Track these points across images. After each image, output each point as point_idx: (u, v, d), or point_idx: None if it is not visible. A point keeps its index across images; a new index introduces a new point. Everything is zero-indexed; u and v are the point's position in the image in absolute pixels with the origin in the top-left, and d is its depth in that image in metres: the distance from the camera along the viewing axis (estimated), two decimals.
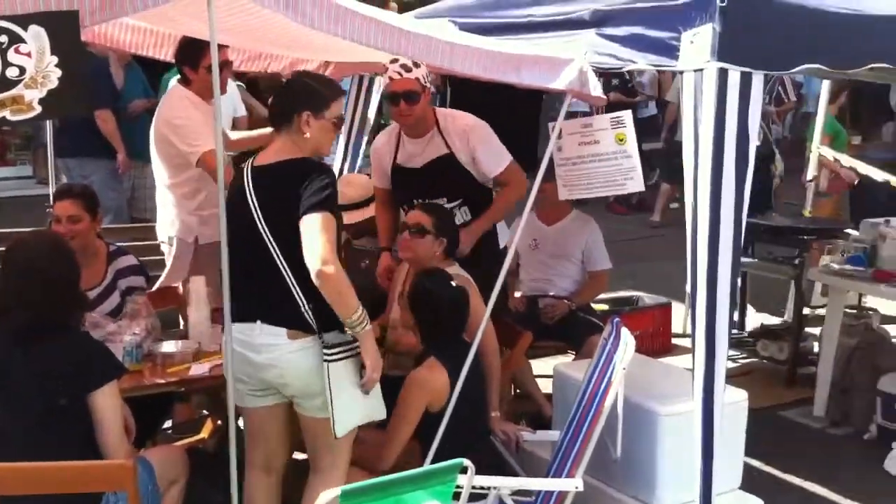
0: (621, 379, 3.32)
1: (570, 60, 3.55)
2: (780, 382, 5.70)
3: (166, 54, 4.44)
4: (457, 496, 3.01)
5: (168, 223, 4.59)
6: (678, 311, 6.32)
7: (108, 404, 2.86)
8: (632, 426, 3.49)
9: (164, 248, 4.66)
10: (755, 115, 3.28)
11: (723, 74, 3.18)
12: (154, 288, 4.56)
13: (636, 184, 3.60)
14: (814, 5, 3.45)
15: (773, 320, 6.53)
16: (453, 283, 3.51)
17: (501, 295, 3.65)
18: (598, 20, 3.65)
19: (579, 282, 5.20)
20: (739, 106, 3.23)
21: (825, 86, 7.03)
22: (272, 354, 3.09)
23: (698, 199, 3.28)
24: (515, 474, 3.66)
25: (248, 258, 3.04)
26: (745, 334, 6.44)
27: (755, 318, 6.57)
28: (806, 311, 5.90)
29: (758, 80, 3.25)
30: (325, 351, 2.99)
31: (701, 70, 3.22)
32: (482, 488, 3.14)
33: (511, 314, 4.95)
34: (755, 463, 4.59)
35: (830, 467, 4.61)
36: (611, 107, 10.93)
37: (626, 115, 3.61)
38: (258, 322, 3.08)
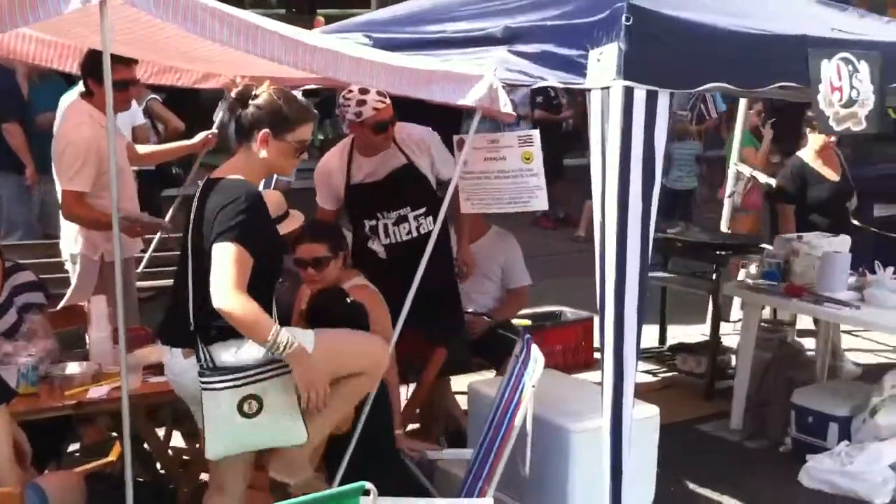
0: (531, 396, 3.30)
1: (479, 77, 3.55)
2: (698, 396, 5.75)
3: (72, 66, 4.33)
4: None
5: (72, 240, 4.46)
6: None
7: None
8: (544, 443, 3.48)
9: (68, 265, 4.52)
10: (661, 133, 3.31)
11: (628, 92, 3.21)
12: (59, 306, 4.45)
13: (540, 202, 3.60)
14: (721, 24, 3.50)
15: (694, 334, 6.61)
16: (349, 300, 3.44)
17: (421, 308, 3.61)
18: (509, 37, 3.66)
19: (499, 298, 5.18)
20: (646, 123, 3.26)
21: (742, 103, 7.16)
22: (174, 372, 3.10)
23: (606, 216, 3.29)
24: (428, 494, 3.62)
25: (178, 274, 3.03)
26: (665, 349, 6.50)
27: (675, 333, 6.63)
28: (726, 325, 5.98)
29: (664, 97, 3.29)
30: (202, 379, 2.92)
31: (607, 88, 3.24)
32: None
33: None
34: (671, 478, 4.63)
35: (746, 480, 4.64)
36: (536, 124, 11.10)
37: (535, 135, 3.61)
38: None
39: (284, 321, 4.07)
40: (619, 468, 3.27)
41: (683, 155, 10.05)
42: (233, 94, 3.05)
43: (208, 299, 2.82)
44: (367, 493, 2.56)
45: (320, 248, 3.77)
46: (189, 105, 8.64)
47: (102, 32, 2.68)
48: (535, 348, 3.46)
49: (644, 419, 3.66)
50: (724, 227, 7.18)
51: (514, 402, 3.41)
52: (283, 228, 4.64)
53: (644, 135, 3.28)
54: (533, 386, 3.29)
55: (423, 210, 4.18)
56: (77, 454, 4.64)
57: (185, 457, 4.53)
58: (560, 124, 10.42)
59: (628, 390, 3.31)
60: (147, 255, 5.24)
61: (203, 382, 2.91)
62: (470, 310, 5.05)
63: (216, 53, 3.57)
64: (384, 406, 3.39)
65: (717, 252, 5.89)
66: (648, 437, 3.73)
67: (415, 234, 4.16)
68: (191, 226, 3.01)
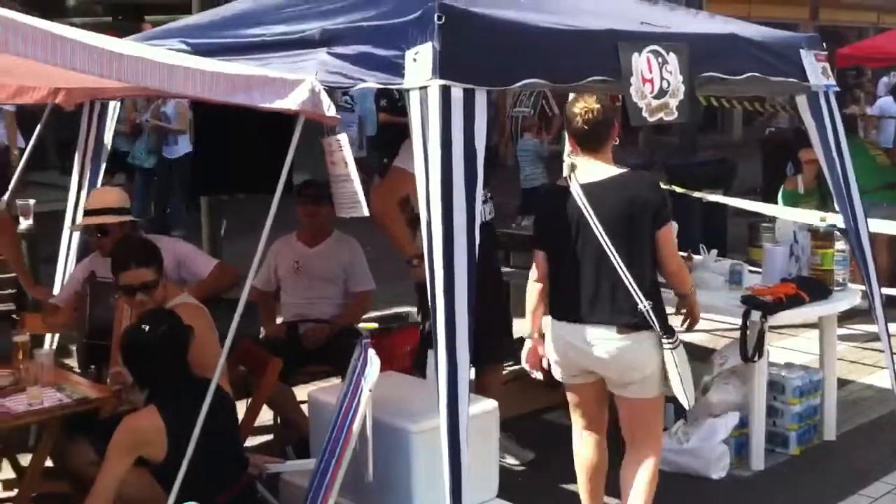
0: (368, 400, 3.28)
1: (300, 80, 3.47)
2: (543, 386, 5.85)
3: None
4: None
5: None
6: None
7: None
8: (386, 446, 3.47)
9: None
10: (481, 131, 3.34)
11: (446, 92, 3.22)
12: None
13: (360, 209, 3.55)
14: (534, 22, 3.56)
15: None
16: (163, 328, 3.34)
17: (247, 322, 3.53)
18: (328, 39, 3.61)
19: (342, 304, 5.15)
20: (465, 122, 3.28)
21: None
22: (601, 349, 3.55)
23: (431, 215, 3.29)
24: None
25: (579, 266, 3.55)
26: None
27: (520, 327, 6.73)
28: None
29: (481, 95, 3.32)
30: (668, 341, 3.52)
31: (425, 88, 3.24)
32: None
33: (269, 341, 4.84)
34: (519, 468, 4.71)
35: None
36: (384, 127, 11.04)
37: (343, 139, 3.57)
38: (586, 322, 3.56)
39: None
40: (458, 465, 3.27)
41: (528, 153, 10.27)
42: None
43: (651, 277, 3.55)
44: None
45: (147, 273, 3.68)
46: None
47: None
48: (371, 352, 3.43)
49: (482, 414, 3.70)
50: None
51: (354, 407, 3.38)
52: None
53: (464, 133, 3.29)
54: (370, 390, 3.26)
55: None
56: None
57: (15, 489, 4.31)
58: (405, 126, 10.37)
59: (462, 387, 3.32)
60: None
61: (669, 343, 3.52)
62: (312, 317, 5.01)
63: (27, 66, 3.37)
64: (226, 422, 3.30)
65: None
66: (489, 431, 3.77)
67: None
68: (596, 224, 3.50)
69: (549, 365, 3.81)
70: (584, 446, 3.88)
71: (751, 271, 5.32)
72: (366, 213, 3.69)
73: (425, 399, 3.80)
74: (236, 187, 5.73)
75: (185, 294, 3.85)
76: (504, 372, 5.97)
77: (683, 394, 3.58)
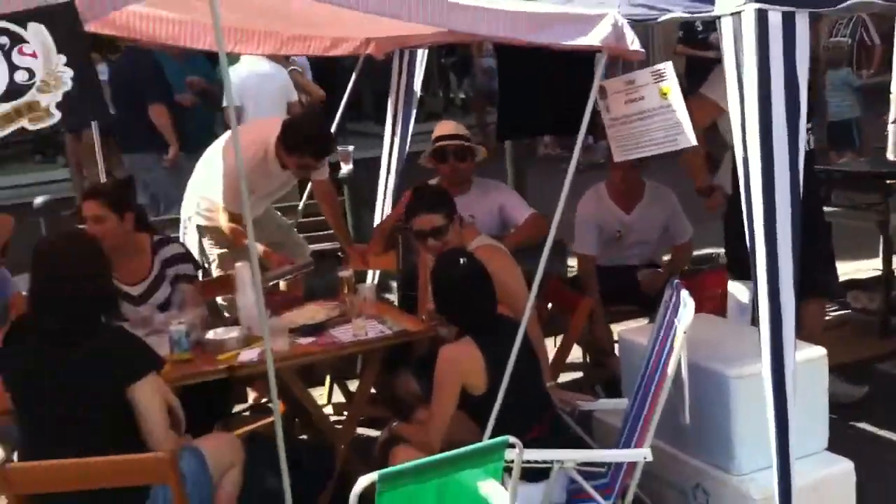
0: (683, 343, 3.13)
1: (602, 15, 3.34)
2: (872, 334, 5.39)
3: (207, 44, 4.38)
4: (531, 474, 2.93)
5: (193, 205, 4.67)
6: None
7: (147, 397, 2.83)
8: (703, 391, 3.32)
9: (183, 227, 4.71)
10: (803, 59, 3.04)
11: (762, 17, 2.96)
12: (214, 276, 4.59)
13: (686, 138, 3.37)
14: None
15: (865, 270, 6.19)
16: (462, 261, 3.34)
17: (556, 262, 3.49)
18: None
19: (658, 252, 5.04)
20: (784, 50, 3.00)
21: None
22: None
23: (748, 151, 3.06)
24: (585, 445, 3.53)
25: None
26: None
27: (845, 269, 6.22)
28: None
29: (802, 19, 3.01)
30: None
31: (738, 13, 3.00)
32: (545, 462, 3.02)
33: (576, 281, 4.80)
34: (848, 421, 4.34)
35: None
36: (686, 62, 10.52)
37: (668, 67, 3.38)
38: None
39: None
40: (785, 415, 3.06)
41: (839, 84, 9.42)
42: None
43: None
44: (511, 445, 2.48)
45: (437, 218, 3.74)
46: (328, 74, 8.77)
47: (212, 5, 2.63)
48: (684, 293, 3.27)
49: (809, 361, 3.43)
50: (890, 156, 6.67)
51: (667, 349, 3.25)
52: None
53: (784, 62, 3.01)
54: (684, 332, 3.11)
55: None
56: (244, 414, 4.80)
57: (344, 412, 4.63)
58: (708, 60, 9.88)
59: (788, 332, 3.08)
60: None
61: None
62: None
63: (341, 16, 3.52)
64: (528, 359, 3.29)
65: (886, 182, 5.47)
66: (816, 380, 3.50)
67: None
68: None
69: None
70: None
71: None
72: (694, 142, 3.49)
73: (744, 342, 3.60)
74: (539, 129, 5.68)
75: (483, 236, 3.86)
76: (826, 318, 5.58)
77: None
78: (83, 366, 2.80)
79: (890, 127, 6.66)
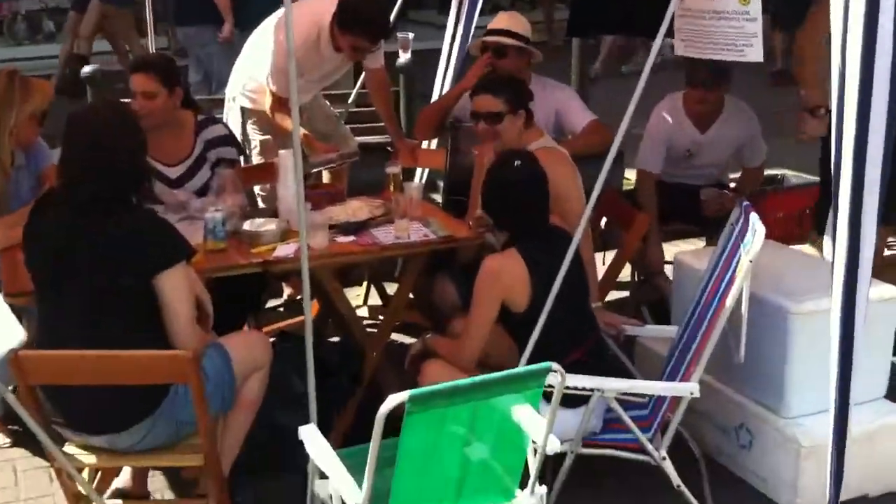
0: (747, 272, 2.90)
1: None
2: None
3: None
4: (568, 399, 2.78)
5: (238, 86, 4.43)
6: None
7: (174, 288, 2.68)
8: (759, 324, 3.10)
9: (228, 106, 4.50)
10: None
11: None
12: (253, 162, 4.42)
13: (755, 52, 3.07)
14: None
15: None
16: (517, 163, 3.09)
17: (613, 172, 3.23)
18: None
19: (726, 172, 4.78)
20: None
21: None
22: None
23: (847, 63, 2.76)
24: (627, 372, 3.35)
25: None
26: None
27: None
28: None
29: None
30: None
31: None
32: (585, 389, 2.86)
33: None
34: None
35: None
36: None
37: None
38: None
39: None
40: (850, 357, 2.84)
41: None
42: None
43: None
44: (553, 371, 2.31)
45: (496, 103, 3.49)
46: None
47: None
48: (754, 217, 3.03)
49: (881, 301, 3.19)
50: None
51: (727, 277, 3.03)
52: None
53: None
54: (750, 261, 2.89)
55: None
56: (280, 309, 4.71)
57: (380, 316, 4.50)
58: None
59: (864, 267, 2.82)
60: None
61: None
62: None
63: None
64: (576, 277, 3.10)
65: None
66: (885, 321, 3.26)
67: None
68: None
69: None
70: None
71: None
72: (760, 58, 3.20)
73: (807, 274, 3.38)
74: (613, 27, 5.34)
75: (546, 138, 3.62)
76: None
77: None
78: (109, 243, 2.65)
79: None
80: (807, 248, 4.34)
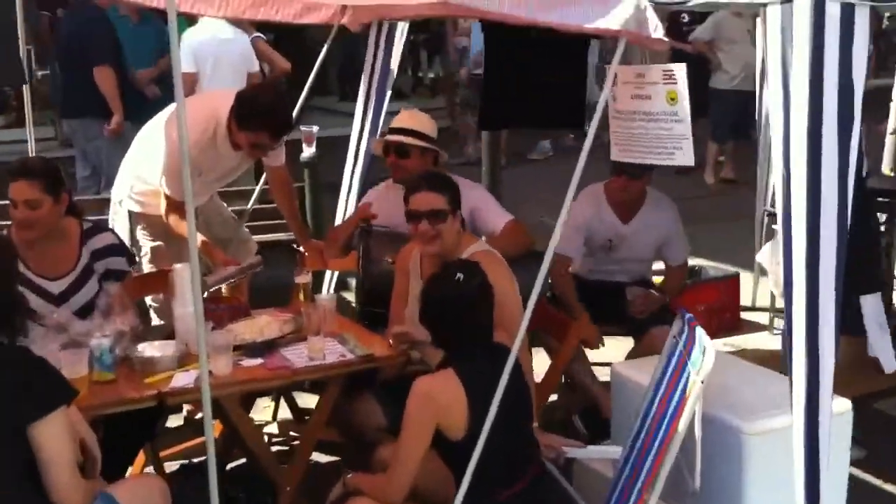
0: (699, 394, 2.66)
1: None
2: (870, 367, 4.97)
3: (161, 1, 3.81)
4: None
5: (126, 188, 4.10)
6: (745, 282, 5.64)
7: (51, 438, 2.28)
8: (711, 446, 2.84)
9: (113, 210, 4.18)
10: (860, 60, 2.60)
11: (819, 7, 2.52)
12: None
13: (685, 155, 2.93)
14: None
15: None
16: (459, 277, 2.83)
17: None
18: None
19: (649, 271, 4.58)
20: (841, 47, 2.57)
21: None
22: None
23: (793, 161, 2.60)
24: (571, 501, 3.05)
25: None
26: None
27: None
28: None
29: (862, 13, 2.58)
30: None
31: (789, 2, 2.56)
32: None
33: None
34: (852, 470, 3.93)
35: None
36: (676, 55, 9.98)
37: (679, 70, 2.91)
38: None
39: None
40: (816, 478, 2.63)
41: None
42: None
43: None
44: None
45: (440, 200, 3.20)
46: (293, 45, 8.19)
47: None
48: (700, 332, 2.81)
49: (839, 414, 2.97)
50: (886, 170, 6.29)
51: (677, 398, 2.78)
52: None
53: (839, 61, 2.58)
54: (702, 382, 2.64)
55: None
56: (181, 428, 4.24)
57: (291, 433, 4.11)
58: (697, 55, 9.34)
59: (825, 380, 2.64)
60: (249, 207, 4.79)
61: None
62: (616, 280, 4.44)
63: None
64: (520, 396, 2.81)
65: (883, 201, 5.02)
66: (843, 435, 3.05)
67: None
68: None
69: None
70: None
71: None
72: (691, 162, 3.05)
73: (757, 386, 3.16)
74: (525, 121, 5.23)
75: (481, 241, 3.37)
76: None
77: None
78: None
79: (888, 138, 6.30)
80: None
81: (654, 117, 3.06)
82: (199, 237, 3.57)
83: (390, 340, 3.23)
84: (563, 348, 3.45)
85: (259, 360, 3.11)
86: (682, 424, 2.67)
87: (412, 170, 3.81)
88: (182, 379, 2.94)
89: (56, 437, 2.29)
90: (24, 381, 2.28)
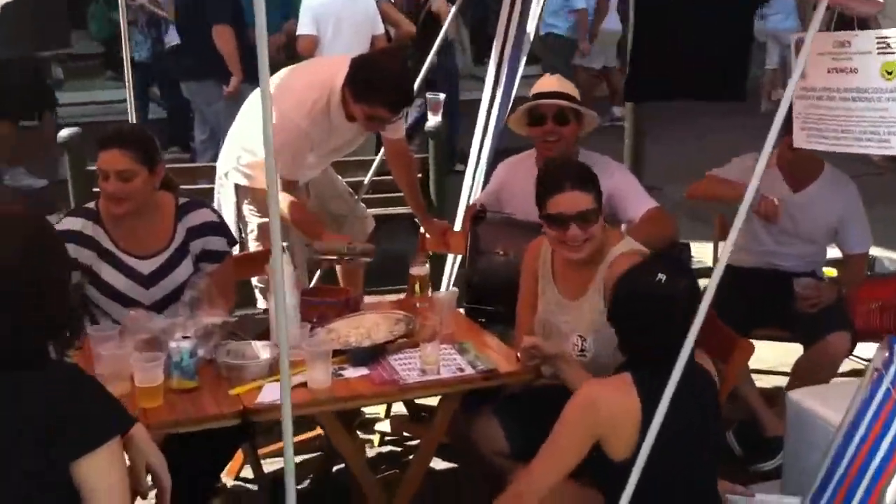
0: None
1: None
2: None
3: None
4: None
5: (232, 159, 3.68)
6: None
7: (98, 473, 1.85)
8: None
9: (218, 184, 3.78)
10: None
11: None
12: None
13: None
14: None
15: None
16: (661, 279, 2.32)
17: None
18: None
19: (822, 261, 3.92)
20: None
21: None
22: None
23: None
24: None
25: None
26: None
27: None
28: None
29: None
30: None
31: None
32: None
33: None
34: None
35: None
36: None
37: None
38: None
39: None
40: None
41: None
42: None
43: None
44: None
45: (588, 199, 2.69)
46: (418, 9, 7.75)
47: None
48: None
49: None
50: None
51: (887, 443, 2.19)
52: None
53: None
54: None
55: None
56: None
57: (405, 433, 3.67)
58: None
59: None
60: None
61: None
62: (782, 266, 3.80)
63: None
64: (704, 425, 2.34)
65: None
66: None
67: None
68: None
69: None
70: None
71: None
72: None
73: None
74: (678, 92, 4.68)
75: (627, 240, 2.81)
76: None
77: None
78: (26, 415, 1.83)
79: None
80: None
81: (862, 95, 2.48)
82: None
83: (518, 353, 2.72)
84: (729, 368, 2.84)
85: (363, 371, 2.63)
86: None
87: (569, 139, 3.37)
88: (272, 392, 2.49)
89: (103, 473, 1.86)
90: (67, 411, 1.86)
